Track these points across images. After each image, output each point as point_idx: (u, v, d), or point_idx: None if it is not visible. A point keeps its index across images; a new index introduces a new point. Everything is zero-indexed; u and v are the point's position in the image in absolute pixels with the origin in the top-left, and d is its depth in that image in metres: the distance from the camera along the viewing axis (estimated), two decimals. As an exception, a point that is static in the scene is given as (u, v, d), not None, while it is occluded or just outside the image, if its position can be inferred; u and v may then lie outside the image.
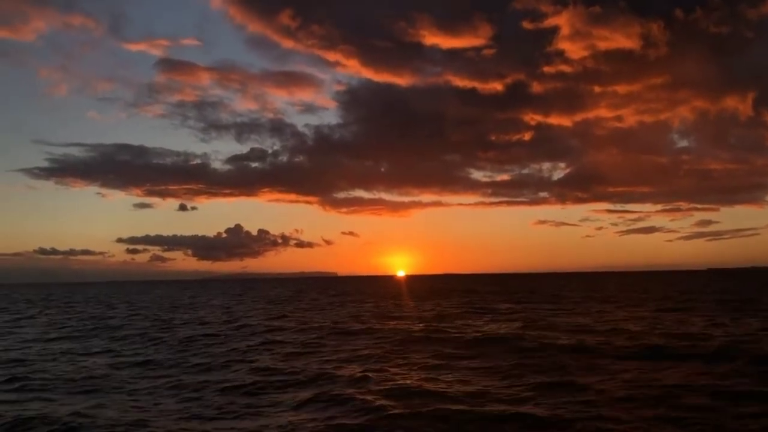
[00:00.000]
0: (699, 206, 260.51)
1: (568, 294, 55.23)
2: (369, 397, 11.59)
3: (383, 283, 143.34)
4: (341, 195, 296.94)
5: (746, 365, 14.01)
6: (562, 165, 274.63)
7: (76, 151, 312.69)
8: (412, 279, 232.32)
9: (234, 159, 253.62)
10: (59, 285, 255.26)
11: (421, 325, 25.86)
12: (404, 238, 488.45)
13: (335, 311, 37.27)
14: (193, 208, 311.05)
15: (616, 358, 15.53)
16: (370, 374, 13.98)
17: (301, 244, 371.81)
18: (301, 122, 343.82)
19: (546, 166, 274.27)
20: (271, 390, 12.90)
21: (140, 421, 10.36)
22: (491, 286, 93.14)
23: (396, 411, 10.51)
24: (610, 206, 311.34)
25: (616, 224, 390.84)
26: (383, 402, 11.16)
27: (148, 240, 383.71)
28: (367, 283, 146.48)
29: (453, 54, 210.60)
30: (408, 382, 13.11)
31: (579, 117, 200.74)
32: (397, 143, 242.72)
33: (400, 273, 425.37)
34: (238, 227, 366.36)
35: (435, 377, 13.65)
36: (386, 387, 12.56)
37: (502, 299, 47.42)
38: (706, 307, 33.73)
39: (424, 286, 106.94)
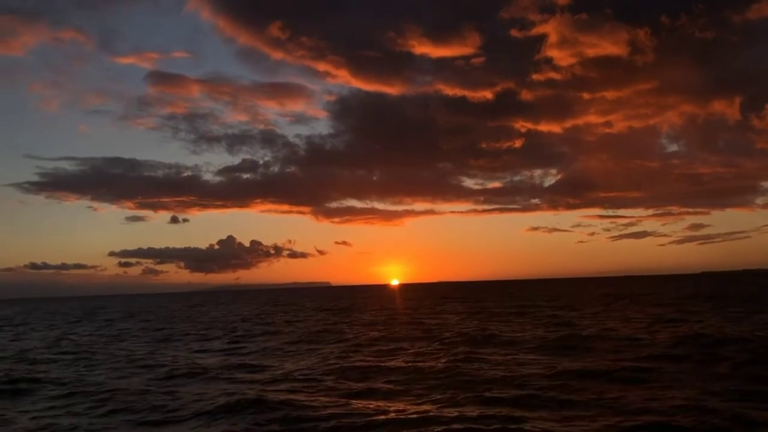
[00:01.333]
0: (690, 210, 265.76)
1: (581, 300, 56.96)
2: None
3: (381, 293, 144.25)
4: (334, 205, 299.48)
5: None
6: (554, 171, 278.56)
7: (67, 165, 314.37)
8: (406, 288, 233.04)
9: (225, 170, 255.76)
10: (60, 300, 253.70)
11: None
12: (397, 246, 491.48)
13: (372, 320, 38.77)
14: (185, 221, 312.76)
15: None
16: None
17: (294, 255, 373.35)
18: (292, 133, 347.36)
19: (537, 173, 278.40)
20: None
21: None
22: (492, 293, 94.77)
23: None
24: (602, 212, 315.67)
25: (608, 229, 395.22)
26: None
27: (140, 253, 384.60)
28: (365, 293, 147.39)
29: (442, 63, 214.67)
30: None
31: (569, 123, 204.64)
32: (388, 152, 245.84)
33: (394, 282, 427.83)
34: (230, 239, 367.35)
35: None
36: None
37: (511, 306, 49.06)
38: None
39: (422, 295, 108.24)
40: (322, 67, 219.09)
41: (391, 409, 11.72)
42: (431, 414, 11.14)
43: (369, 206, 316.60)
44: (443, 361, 17.52)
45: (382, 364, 17.44)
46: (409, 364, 17.36)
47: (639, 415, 10.65)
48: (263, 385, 14.97)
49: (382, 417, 11.01)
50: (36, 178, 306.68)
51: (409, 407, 11.86)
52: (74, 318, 59.80)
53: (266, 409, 12.09)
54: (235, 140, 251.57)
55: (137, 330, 37.55)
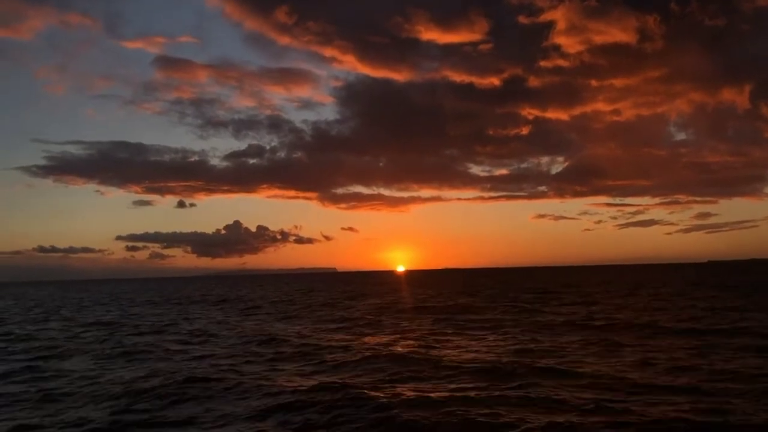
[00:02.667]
0: (698, 199, 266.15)
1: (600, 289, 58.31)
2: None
3: (392, 279, 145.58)
4: (340, 191, 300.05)
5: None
6: (561, 159, 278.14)
7: (74, 149, 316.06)
8: (413, 274, 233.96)
9: (232, 155, 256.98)
10: (74, 283, 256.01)
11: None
12: (403, 233, 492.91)
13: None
14: (192, 205, 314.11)
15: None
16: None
17: (300, 240, 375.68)
18: (299, 118, 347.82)
19: (544, 160, 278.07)
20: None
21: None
22: (508, 280, 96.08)
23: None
24: (609, 200, 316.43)
25: (615, 217, 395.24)
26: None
27: (147, 237, 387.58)
28: (376, 279, 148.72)
29: (450, 49, 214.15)
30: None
31: (576, 111, 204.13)
32: (395, 138, 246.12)
33: (400, 268, 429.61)
34: (237, 224, 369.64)
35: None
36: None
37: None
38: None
39: (434, 281, 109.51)
40: (328, 52, 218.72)
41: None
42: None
43: (375, 192, 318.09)
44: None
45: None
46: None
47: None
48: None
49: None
50: (43, 162, 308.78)
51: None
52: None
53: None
54: (241, 125, 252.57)
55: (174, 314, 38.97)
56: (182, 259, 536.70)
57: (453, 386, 12.24)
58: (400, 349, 17.61)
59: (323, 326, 25.97)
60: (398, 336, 21.11)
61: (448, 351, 17.12)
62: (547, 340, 18.73)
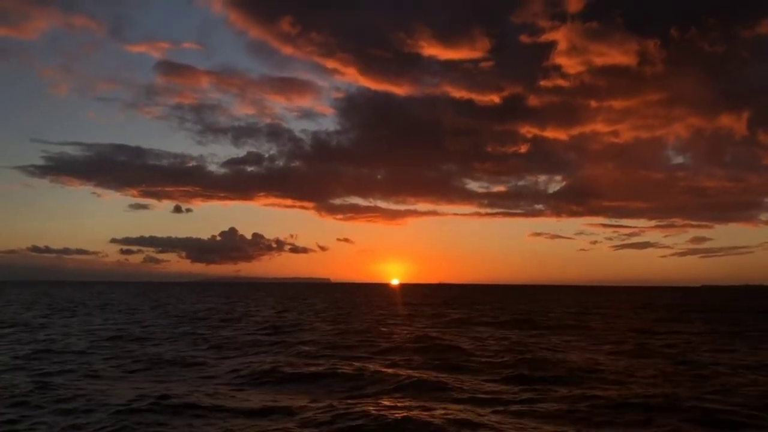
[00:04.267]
0: (693, 223, 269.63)
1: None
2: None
3: (388, 292, 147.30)
4: (337, 201, 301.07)
5: None
6: (558, 178, 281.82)
7: (72, 150, 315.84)
8: (408, 288, 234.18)
9: (230, 162, 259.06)
10: (68, 284, 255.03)
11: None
12: (399, 246, 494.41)
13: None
14: (188, 211, 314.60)
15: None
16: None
17: (295, 250, 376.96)
18: (299, 128, 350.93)
19: (542, 178, 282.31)
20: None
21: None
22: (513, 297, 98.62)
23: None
24: (605, 220, 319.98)
25: (610, 238, 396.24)
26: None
27: (142, 241, 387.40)
28: (372, 292, 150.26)
29: (451, 65, 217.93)
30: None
31: (575, 131, 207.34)
32: (393, 152, 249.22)
33: (394, 281, 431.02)
34: (232, 231, 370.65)
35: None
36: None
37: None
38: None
39: (434, 294, 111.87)
40: (330, 64, 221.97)
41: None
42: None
43: (372, 204, 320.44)
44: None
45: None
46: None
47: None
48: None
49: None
50: (41, 162, 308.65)
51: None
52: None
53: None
54: (241, 133, 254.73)
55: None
56: (176, 264, 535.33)
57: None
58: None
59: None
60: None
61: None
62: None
